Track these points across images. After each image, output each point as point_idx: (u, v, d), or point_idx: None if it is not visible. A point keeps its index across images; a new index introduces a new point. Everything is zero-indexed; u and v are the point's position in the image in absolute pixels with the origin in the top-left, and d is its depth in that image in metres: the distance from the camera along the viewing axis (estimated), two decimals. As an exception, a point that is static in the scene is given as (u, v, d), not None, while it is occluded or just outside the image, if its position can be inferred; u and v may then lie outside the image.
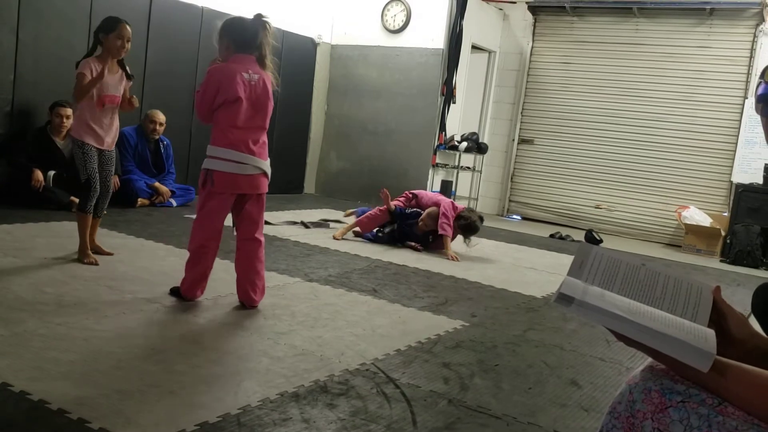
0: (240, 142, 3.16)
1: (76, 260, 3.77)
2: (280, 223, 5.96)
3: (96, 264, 3.76)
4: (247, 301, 3.28)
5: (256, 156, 3.21)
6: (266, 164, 3.28)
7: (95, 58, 3.83)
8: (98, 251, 3.97)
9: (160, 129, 6.21)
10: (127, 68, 3.97)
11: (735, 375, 1.04)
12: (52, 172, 5.43)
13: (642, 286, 1.17)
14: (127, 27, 3.86)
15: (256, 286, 3.28)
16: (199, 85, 3.24)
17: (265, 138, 3.30)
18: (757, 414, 1.01)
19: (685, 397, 1.04)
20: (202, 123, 3.28)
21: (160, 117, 6.16)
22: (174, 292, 3.31)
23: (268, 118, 3.29)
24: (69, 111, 5.44)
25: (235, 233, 3.34)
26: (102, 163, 3.90)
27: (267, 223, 5.81)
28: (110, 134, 3.90)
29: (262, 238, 3.34)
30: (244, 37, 3.23)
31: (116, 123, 3.95)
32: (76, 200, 5.30)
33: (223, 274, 3.86)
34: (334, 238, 5.53)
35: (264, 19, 3.26)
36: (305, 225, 5.97)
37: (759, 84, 1.30)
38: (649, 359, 1.12)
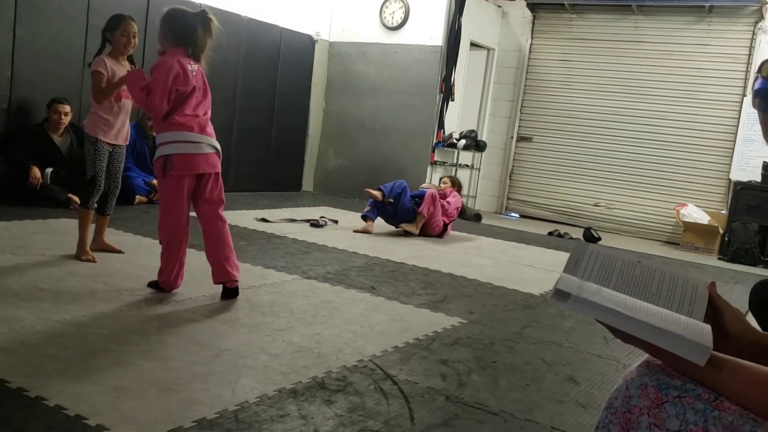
0: (195, 124, 3.25)
1: (74, 257, 3.77)
2: (278, 220, 5.96)
3: (93, 261, 3.76)
4: (227, 277, 3.29)
5: (208, 135, 3.30)
6: (205, 147, 3.30)
7: (107, 55, 3.86)
8: (109, 249, 4.00)
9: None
10: (135, 62, 4.01)
11: (731, 370, 1.04)
12: (49, 169, 5.43)
13: (638, 283, 1.17)
14: (132, 23, 3.87)
15: (230, 261, 3.30)
16: (146, 81, 3.25)
17: (207, 118, 3.38)
18: (753, 409, 1.01)
19: (681, 393, 1.04)
20: (157, 117, 3.23)
21: (158, 114, 6.15)
22: (152, 284, 3.33)
23: (210, 102, 3.40)
24: (67, 108, 5.43)
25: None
26: (113, 159, 3.94)
27: (265, 220, 5.84)
28: (123, 130, 3.95)
29: (223, 219, 3.37)
30: (182, 31, 3.26)
31: (128, 119, 3.99)
32: (74, 198, 5.33)
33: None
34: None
35: (208, 16, 3.31)
36: (315, 223, 5.98)
37: (756, 79, 1.30)
38: (646, 355, 1.13)
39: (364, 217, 6.01)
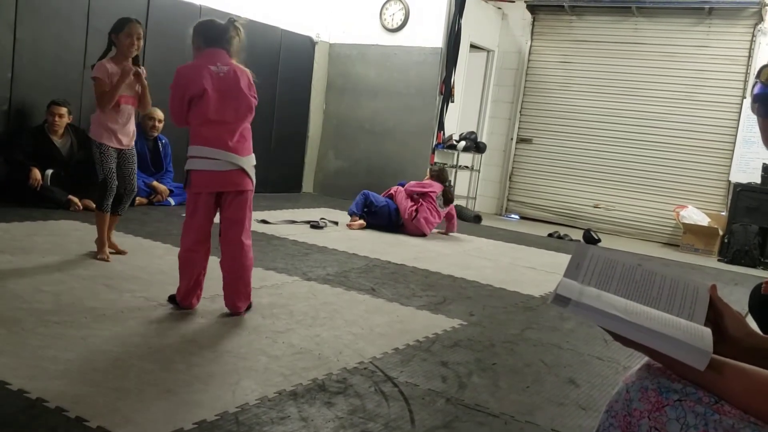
0: (213, 137, 3.03)
1: (93, 255, 3.90)
2: (278, 222, 5.96)
3: (107, 260, 3.84)
4: (231, 308, 3.13)
5: (232, 151, 3.04)
6: (244, 160, 3.09)
7: (109, 59, 3.89)
8: (113, 249, 4.04)
9: (159, 126, 6.21)
10: (140, 63, 4.03)
11: (732, 373, 1.04)
12: (49, 171, 5.43)
13: (638, 287, 1.17)
14: (137, 25, 3.89)
15: (240, 293, 3.11)
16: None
17: (244, 132, 3.13)
18: (753, 412, 1.01)
19: (681, 396, 1.05)
20: (179, 126, 3.16)
21: (159, 114, 6.15)
22: (171, 299, 3.19)
23: (244, 109, 3.11)
24: (63, 110, 5.44)
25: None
26: (123, 162, 3.98)
27: (265, 222, 5.84)
28: (127, 134, 3.97)
29: (248, 242, 3.13)
30: (213, 32, 3.15)
31: (132, 122, 4.01)
32: (74, 199, 5.33)
33: (220, 273, 3.86)
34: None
35: (236, 22, 3.21)
36: (315, 224, 6.00)
37: (755, 84, 1.31)
38: (646, 358, 1.13)
39: (351, 213, 6.22)
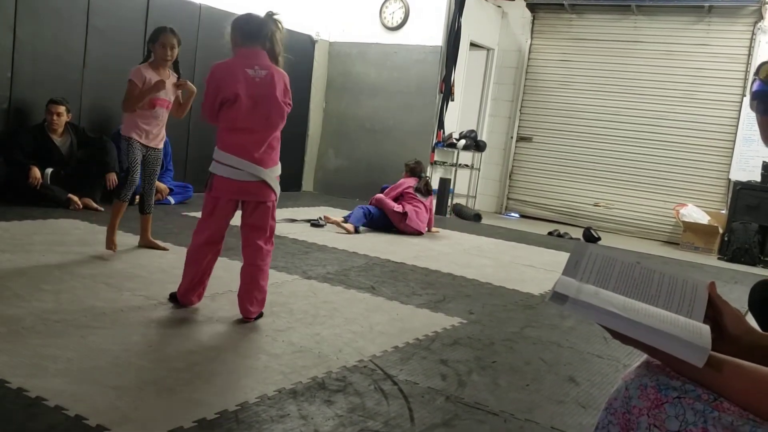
0: (240, 145, 2.97)
1: (108, 252, 3.99)
2: (279, 220, 5.96)
3: (113, 251, 3.98)
4: (244, 312, 3.07)
5: (256, 163, 2.98)
6: (267, 172, 3.02)
7: (147, 64, 4.05)
8: (154, 246, 4.21)
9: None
10: (180, 71, 4.21)
11: (731, 371, 1.04)
12: (49, 170, 5.43)
13: (637, 284, 1.17)
14: (170, 35, 4.02)
15: (253, 299, 3.06)
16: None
17: (273, 141, 3.06)
18: (752, 410, 1.01)
19: (680, 393, 1.05)
20: (209, 123, 3.10)
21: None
22: (172, 297, 3.18)
23: (275, 117, 3.03)
24: (61, 108, 5.44)
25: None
26: (147, 161, 4.12)
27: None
28: (157, 134, 4.12)
29: (267, 246, 3.10)
30: (250, 27, 3.03)
31: (163, 126, 4.16)
32: (74, 198, 5.33)
33: (221, 272, 3.86)
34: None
35: (274, 16, 3.10)
36: (315, 223, 6.00)
37: (754, 81, 1.31)
38: (645, 355, 1.13)
39: (345, 219, 6.10)
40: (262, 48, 3.04)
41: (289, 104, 3.10)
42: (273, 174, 3.06)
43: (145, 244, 4.24)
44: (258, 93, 2.97)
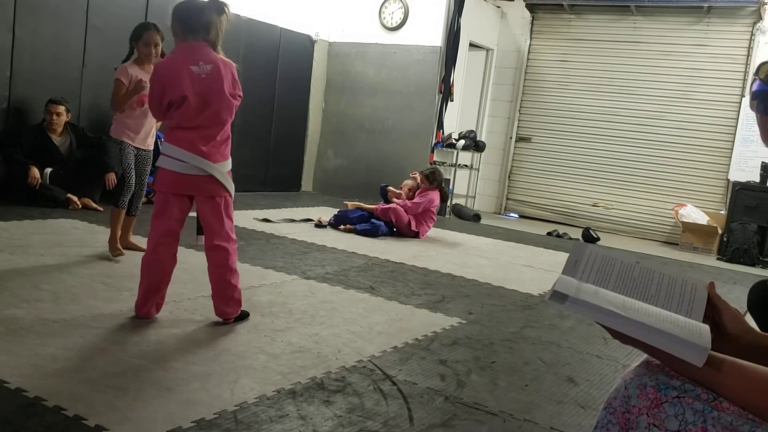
0: (188, 140, 2.85)
1: (106, 253, 3.93)
2: (279, 220, 5.96)
3: (122, 254, 3.92)
4: (219, 314, 2.96)
5: (205, 157, 2.86)
6: (215, 167, 2.90)
7: (132, 63, 3.98)
8: (134, 248, 4.09)
9: (157, 125, 6.19)
10: None
11: (730, 370, 1.04)
12: (48, 169, 5.43)
13: (636, 284, 1.17)
14: (154, 33, 3.96)
15: (228, 299, 2.95)
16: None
17: (222, 135, 2.94)
18: (752, 409, 1.01)
19: (680, 393, 1.04)
20: (159, 121, 3.08)
21: (158, 114, 6.15)
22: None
23: (224, 113, 2.92)
24: (60, 108, 5.44)
25: (198, 242, 3.06)
26: (138, 161, 4.04)
27: (267, 220, 5.84)
28: (148, 134, 4.04)
29: (227, 245, 2.96)
30: (190, 18, 2.87)
31: (154, 124, 4.07)
32: (73, 198, 5.33)
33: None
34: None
35: (221, 1, 2.92)
36: (318, 224, 5.97)
37: (754, 81, 1.30)
38: (645, 355, 1.13)
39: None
40: (204, 40, 2.90)
41: (239, 96, 2.99)
42: (222, 169, 2.94)
43: (125, 245, 4.04)
44: (205, 90, 2.85)
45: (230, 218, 3.02)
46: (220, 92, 2.88)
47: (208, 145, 2.88)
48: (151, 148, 4.11)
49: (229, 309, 2.97)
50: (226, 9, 2.93)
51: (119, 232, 4.00)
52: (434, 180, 6.21)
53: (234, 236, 3.04)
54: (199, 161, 2.86)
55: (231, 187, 2.99)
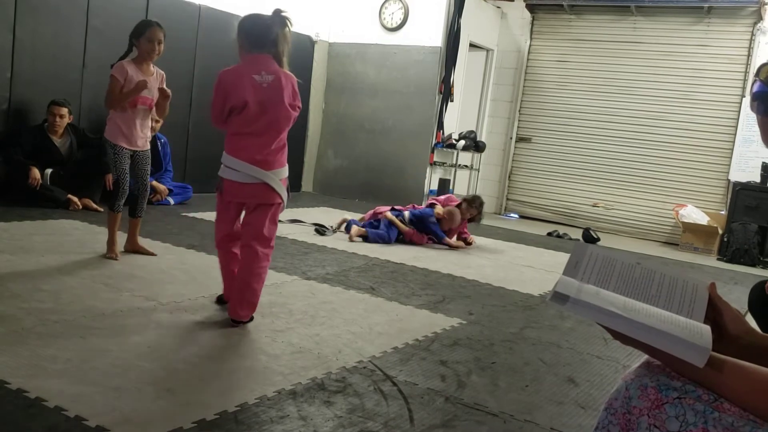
0: (245, 148, 2.98)
1: (103, 255, 3.90)
2: (285, 221, 5.95)
3: (116, 259, 3.86)
4: (233, 315, 2.99)
5: (258, 165, 2.98)
6: (269, 174, 2.99)
7: (130, 61, 3.88)
8: (141, 251, 4.06)
9: (157, 126, 6.19)
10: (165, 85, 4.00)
11: (731, 371, 1.04)
12: (49, 170, 5.43)
13: (637, 285, 1.17)
14: (158, 30, 3.88)
15: (244, 301, 2.99)
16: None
17: (278, 142, 3.05)
18: (753, 410, 1.01)
19: (681, 394, 1.04)
20: (218, 129, 3.11)
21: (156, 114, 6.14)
22: (219, 299, 3.27)
23: (282, 122, 3.02)
24: (63, 110, 5.44)
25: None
26: (136, 163, 3.97)
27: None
28: (142, 135, 3.96)
29: (264, 250, 3.04)
30: (256, 34, 3.02)
31: (148, 124, 4.01)
32: (74, 198, 5.33)
33: (219, 273, 3.86)
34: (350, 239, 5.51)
35: (283, 14, 3.05)
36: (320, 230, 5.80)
37: (754, 82, 1.30)
38: (646, 356, 1.13)
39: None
40: (268, 53, 3.03)
41: (298, 107, 3.10)
42: (277, 176, 3.03)
43: (132, 248, 4.05)
44: (265, 99, 2.97)
45: (275, 224, 3.11)
46: (279, 101, 2.99)
47: (263, 152, 3.00)
48: (147, 148, 4.03)
49: (243, 312, 3.00)
50: (288, 23, 3.08)
51: (116, 235, 3.94)
52: (474, 206, 5.99)
53: (273, 243, 3.12)
54: (252, 170, 2.98)
55: (284, 194, 3.09)
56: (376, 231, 5.62)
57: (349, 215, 6.35)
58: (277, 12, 3.06)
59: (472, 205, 5.96)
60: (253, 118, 2.97)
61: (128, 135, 3.88)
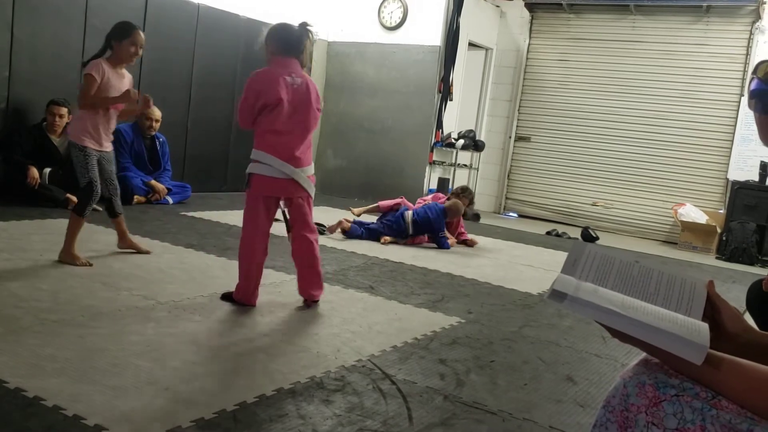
0: (278, 146, 3.18)
1: (58, 260, 3.67)
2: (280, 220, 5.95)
3: (89, 265, 3.66)
4: (307, 296, 3.36)
5: (292, 162, 3.21)
6: (298, 171, 3.24)
7: (106, 60, 3.78)
8: (135, 248, 4.06)
9: (156, 125, 6.20)
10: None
11: (729, 368, 1.04)
12: (47, 170, 5.43)
13: (635, 283, 1.17)
14: (141, 34, 3.83)
15: (313, 283, 3.37)
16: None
17: (307, 141, 3.30)
18: (750, 407, 1.01)
19: (679, 391, 1.04)
20: (243, 129, 3.29)
21: (156, 113, 6.14)
22: (226, 297, 3.30)
23: (311, 122, 3.29)
24: (63, 110, 5.43)
25: (289, 240, 3.48)
26: (102, 165, 3.85)
27: (275, 220, 5.80)
28: (109, 136, 3.87)
29: (312, 236, 3.38)
30: (289, 40, 3.28)
31: (114, 125, 3.91)
32: (73, 198, 5.31)
33: (219, 272, 3.86)
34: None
35: (308, 27, 3.35)
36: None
37: (752, 79, 1.30)
38: (644, 354, 1.13)
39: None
40: (295, 58, 3.28)
41: (320, 110, 3.37)
42: (305, 173, 3.29)
43: (126, 245, 4.03)
44: (296, 99, 3.21)
45: (312, 214, 3.41)
46: (308, 103, 3.26)
47: (294, 150, 3.23)
48: (111, 149, 3.89)
49: (317, 292, 3.39)
50: (311, 33, 3.39)
51: (76, 241, 3.71)
52: (466, 195, 6.11)
53: (315, 228, 3.46)
54: (285, 167, 3.21)
55: (312, 189, 3.36)
56: (359, 226, 5.61)
57: (349, 215, 6.35)
58: (304, 24, 3.34)
59: (464, 194, 6.08)
60: (286, 116, 3.18)
61: (96, 137, 3.73)
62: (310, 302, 3.38)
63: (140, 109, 4.04)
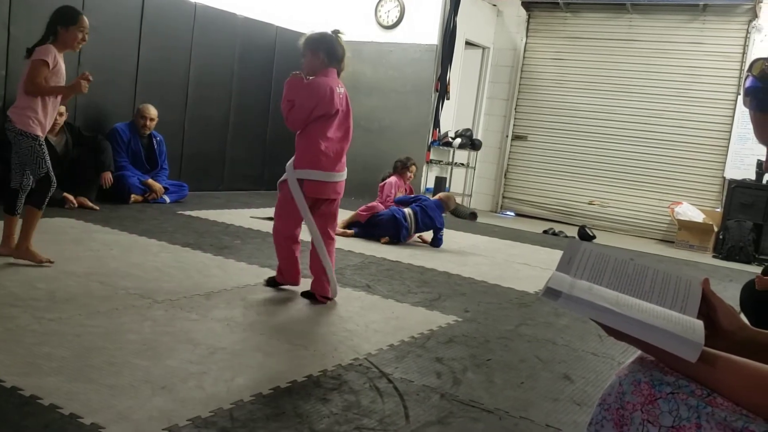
0: (329, 152, 3.43)
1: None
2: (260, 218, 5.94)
3: (51, 263, 3.51)
4: (322, 291, 3.48)
5: (332, 169, 3.47)
6: (338, 176, 3.54)
7: (53, 46, 3.64)
8: (31, 259, 3.62)
9: (151, 124, 6.19)
10: None
11: (724, 366, 1.04)
12: (44, 169, 5.40)
13: (630, 281, 1.17)
14: (86, 19, 3.76)
15: (329, 278, 3.49)
16: (286, 95, 3.44)
17: (346, 147, 3.56)
18: (746, 405, 1.02)
19: (674, 389, 1.05)
20: (292, 130, 3.46)
21: (152, 112, 6.13)
22: (270, 282, 3.63)
23: (350, 131, 3.56)
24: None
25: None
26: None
27: (270, 218, 5.81)
28: (51, 124, 3.76)
29: (333, 233, 3.65)
30: (337, 51, 3.44)
31: (56, 111, 3.80)
32: (70, 196, 5.31)
33: (217, 271, 3.86)
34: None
35: (340, 34, 3.50)
36: None
37: (747, 77, 1.30)
38: (639, 351, 1.13)
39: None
40: (337, 68, 3.47)
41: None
42: (342, 177, 3.59)
43: (22, 255, 3.53)
44: (344, 109, 3.47)
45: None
46: (349, 112, 3.54)
47: (341, 156, 3.51)
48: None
49: (327, 289, 3.52)
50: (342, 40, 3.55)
51: (19, 241, 3.55)
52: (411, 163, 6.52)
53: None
54: (332, 175, 3.49)
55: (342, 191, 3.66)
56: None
57: (346, 212, 6.34)
58: (336, 32, 3.49)
59: (408, 164, 6.51)
60: (337, 126, 3.44)
61: (44, 124, 3.62)
62: (320, 298, 3.47)
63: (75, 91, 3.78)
